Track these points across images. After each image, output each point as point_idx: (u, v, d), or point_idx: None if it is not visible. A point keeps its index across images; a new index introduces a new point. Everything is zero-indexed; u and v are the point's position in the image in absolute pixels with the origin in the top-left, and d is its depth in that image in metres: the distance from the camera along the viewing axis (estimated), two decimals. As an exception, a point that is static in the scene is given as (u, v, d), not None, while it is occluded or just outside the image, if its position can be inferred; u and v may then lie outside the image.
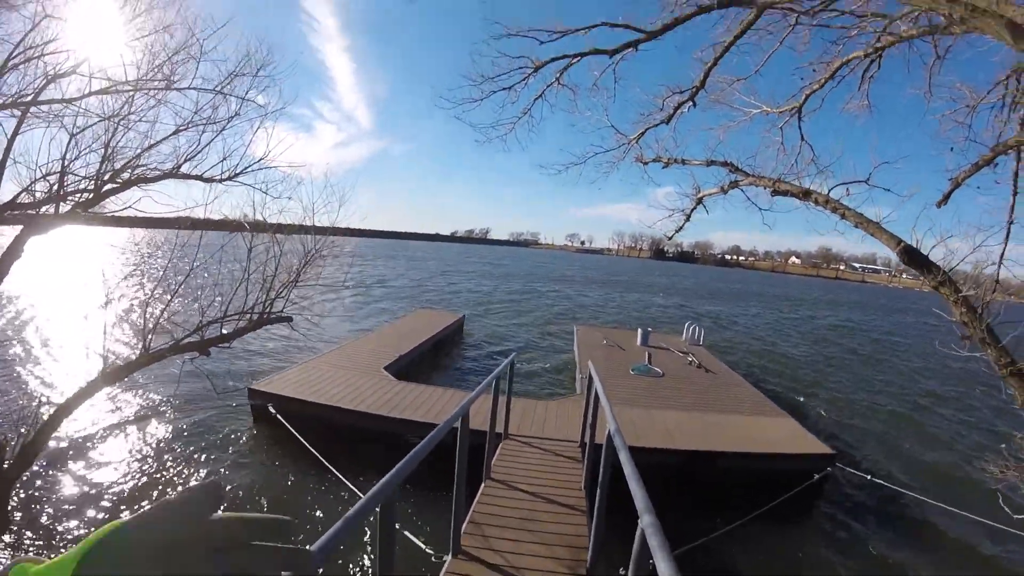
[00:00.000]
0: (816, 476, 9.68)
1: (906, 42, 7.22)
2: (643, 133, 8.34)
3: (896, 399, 19.25)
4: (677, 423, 11.19)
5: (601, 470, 4.75)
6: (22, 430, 6.45)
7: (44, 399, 11.56)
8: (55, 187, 6.51)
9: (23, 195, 6.45)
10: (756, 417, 12.28)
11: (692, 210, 7.67)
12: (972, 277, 5.59)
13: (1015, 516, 5.34)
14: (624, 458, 3.56)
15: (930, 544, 9.06)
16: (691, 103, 8.13)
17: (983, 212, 6.49)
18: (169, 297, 7.04)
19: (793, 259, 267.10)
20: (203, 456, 9.82)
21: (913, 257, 5.12)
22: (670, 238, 8.35)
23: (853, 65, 7.85)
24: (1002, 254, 6.01)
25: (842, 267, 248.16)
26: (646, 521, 2.54)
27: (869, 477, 10.18)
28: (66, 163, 6.51)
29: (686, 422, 11.34)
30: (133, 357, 6.72)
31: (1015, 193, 6.34)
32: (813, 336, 35.28)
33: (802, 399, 17.58)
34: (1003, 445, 5.52)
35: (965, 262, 5.32)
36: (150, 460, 9.58)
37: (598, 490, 4.79)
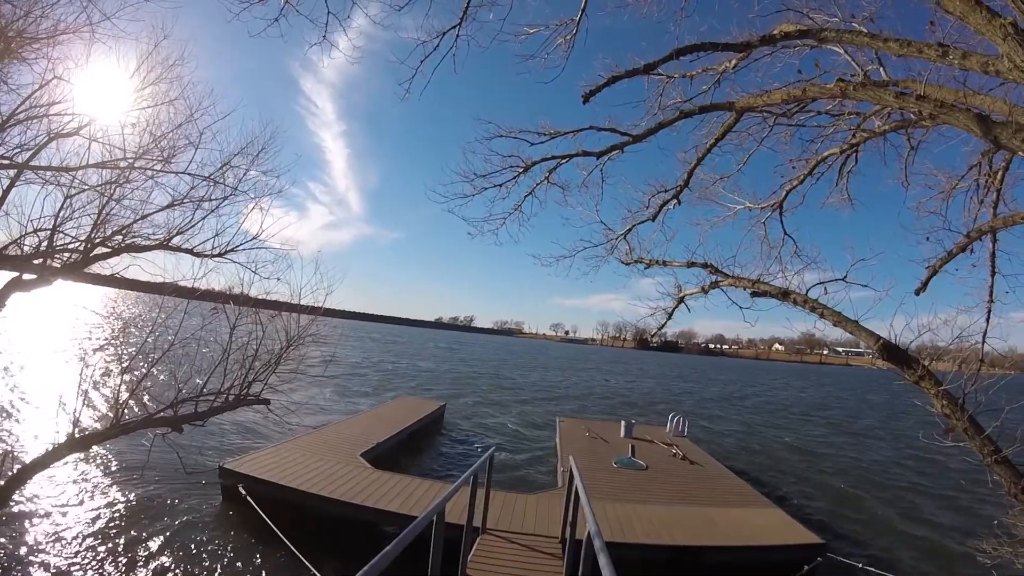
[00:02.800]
0: (806, 567, 9.41)
1: (881, 137, 7.51)
2: (630, 229, 8.51)
3: (878, 484, 19.00)
4: (661, 517, 10.90)
5: (580, 572, 4.57)
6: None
7: (5, 459, 11.21)
8: (44, 244, 6.46)
9: (12, 247, 6.40)
10: (742, 508, 12.02)
11: (674, 309, 7.75)
12: (958, 357, 5.64)
13: None
14: (603, 562, 3.41)
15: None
16: (676, 201, 8.35)
17: (963, 295, 6.63)
18: (145, 370, 6.90)
19: (777, 346, 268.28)
20: (168, 533, 9.43)
21: (892, 353, 5.17)
22: (653, 335, 8.38)
23: (831, 161, 8.15)
24: (984, 332, 6.16)
25: (825, 352, 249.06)
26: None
27: (860, 565, 9.91)
28: (59, 222, 6.48)
29: (671, 516, 11.06)
30: (104, 426, 6.53)
31: (993, 274, 6.59)
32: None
33: (783, 487, 17.32)
34: (995, 522, 5.43)
35: (950, 344, 5.39)
36: (113, 532, 9.19)
37: (578, 592, 4.60)
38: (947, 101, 4.34)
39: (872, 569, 9.85)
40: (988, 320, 6.36)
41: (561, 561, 7.38)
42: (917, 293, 6.87)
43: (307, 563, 8.33)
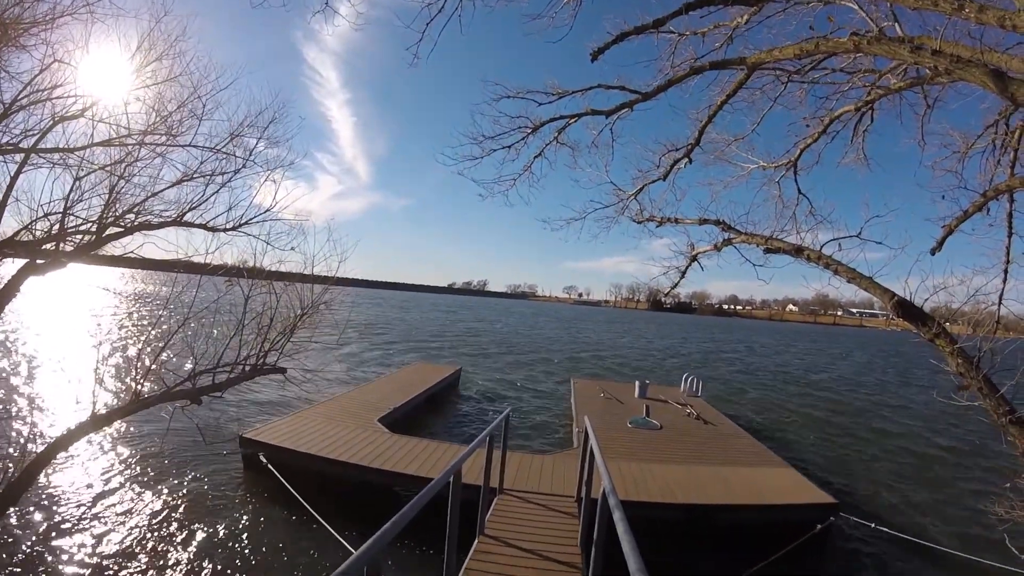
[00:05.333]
0: (819, 526, 9.47)
1: (897, 94, 7.35)
2: (641, 189, 8.43)
3: (893, 443, 19.06)
4: (676, 476, 11.01)
5: (596, 529, 4.65)
6: (9, 469, 6.31)
7: (31, 438, 11.42)
8: (55, 228, 6.49)
9: (23, 233, 6.44)
10: (756, 468, 12.10)
11: (687, 267, 7.69)
12: (973, 319, 5.60)
13: (1022, 556, 5.23)
14: (618, 518, 3.47)
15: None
16: (687, 160, 8.23)
17: (979, 255, 6.54)
18: (162, 344, 6.98)
19: (791, 307, 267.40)
20: (191, 503, 9.63)
21: (907, 311, 5.10)
22: (667, 293, 8.36)
23: (845, 120, 7.99)
24: (1001, 294, 6.07)
25: (839, 313, 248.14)
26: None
27: (873, 525, 10.00)
28: (69, 204, 6.48)
29: (685, 475, 11.17)
30: (124, 402, 6.63)
31: (1010, 235, 6.44)
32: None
33: (798, 446, 17.39)
34: (1007, 485, 5.44)
35: (964, 305, 5.34)
36: (136, 505, 9.39)
37: (593, 548, 4.67)
38: (963, 57, 4.27)
39: (884, 529, 9.93)
40: (1005, 281, 6.28)
41: (577, 520, 7.48)
42: (932, 253, 6.77)
43: (329, 527, 8.49)
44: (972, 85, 4.61)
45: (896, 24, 5.33)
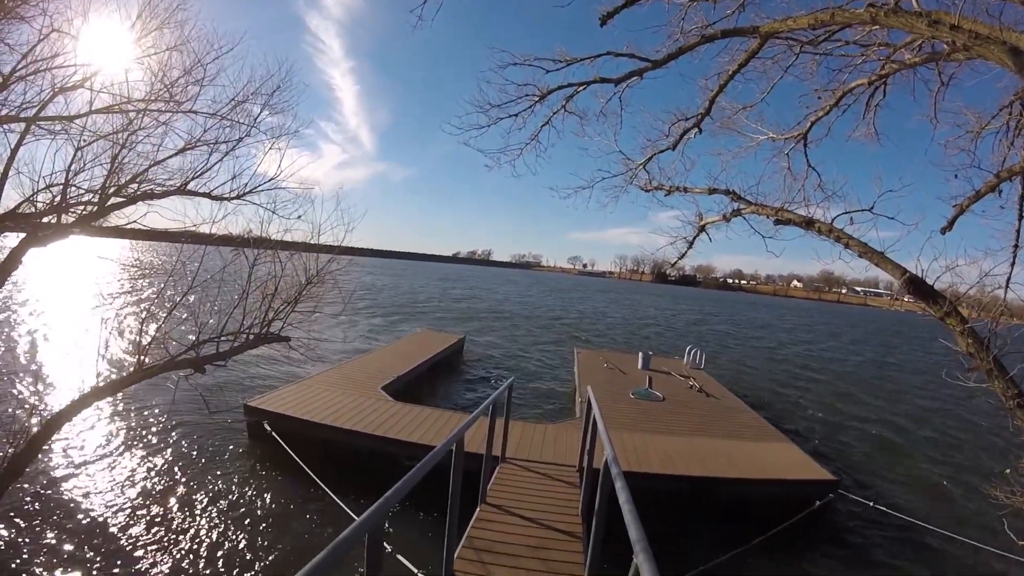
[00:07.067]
0: (818, 503, 9.58)
1: (911, 69, 7.23)
2: (650, 159, 8.33)
3: (894, 423, 19.14)
4: (678, 448, 11.09)
5: (597, 499, 4.68)
6: (13, 440, 6.36)
7: (36, 410, 11.51)
8: (57, 199, 6.47)
9: (25, 205, 6.41)
10: (757, 443, 12.19)
11: (695, 237, 7.61)
12: (979, 301, 5.55)
13: (1020, 542, 5.25)
14: (620, 487, 3.50)
15: (934, 572, 8.94)
16: (697, 130, 8.13)
17: (989, 237, 6.47)
18: (166, 314, 6.99)
19: (795, 283, 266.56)
20: (196, 471, 9.74)
21: (919, 288, 5.07)
22: (673, 265, 8.31)
23: (858, 93, 7.86)
24: (1008, 278, 6.00)
25: (844, 291, 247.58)
26: (641, 559, 2.48)
27: (871, 504, 10.09)
28: (70, 175, 6.45)
29: (687, 447, 11.25)
30: (127, 372, 6.66)
31: (1021, 218, 6.33)
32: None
33: (799, 423, 17.47)
34: (1008, 471, 5.45)
35: (972, 288, 5.29)
36: (141, 474, 9.50)
37: (594, 518, 4.71)
38: (982, 34, 4.20)
39: (881, 507, 10.03)
40: (1012, 265, 6.21)
41: (579, 489, 7.53)
42: (943, 232, 6.68)
43: (332, 494, 8.59)
44: (988, 64, 4.56)
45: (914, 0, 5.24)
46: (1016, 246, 6.28)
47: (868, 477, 13.09)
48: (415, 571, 6.94)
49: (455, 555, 5.35)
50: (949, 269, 5.24)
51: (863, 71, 7.62)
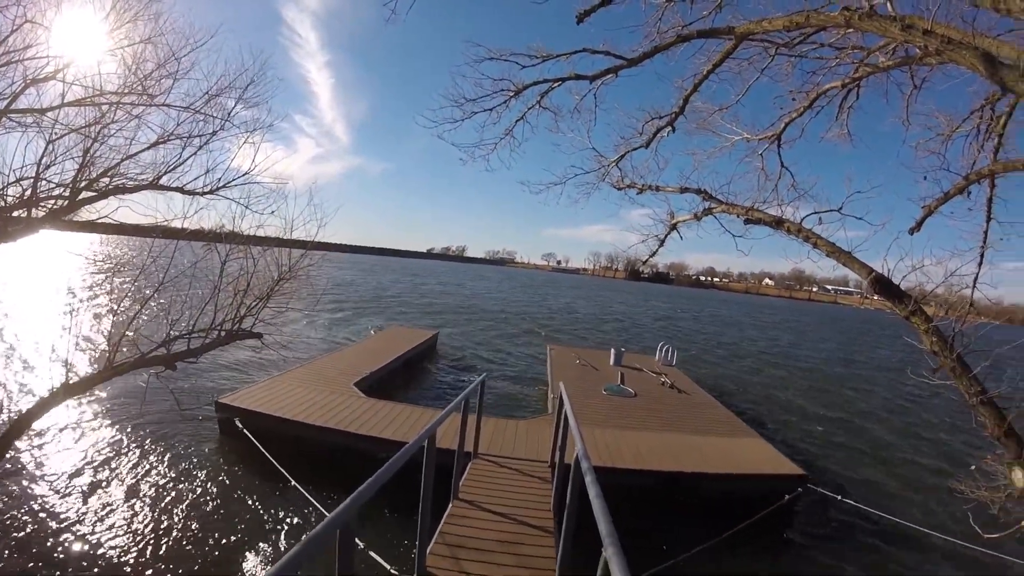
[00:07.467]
0: (787, 497, 9.73)
1: (884, 73, 7.37)
2: (623, 156, 8.41)
3: (862, 419, 19.49)
4: (649, 444, 11.21)
5: (568, 494, 4.74)
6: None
7: (5, 408, 11.33)
8: (28, 192, 6.39)
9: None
10: (728, 438, 12.34)
11: (666, 236, 7.72)
12: (946, 301, 5.70)
13: (985, 536, 5.37)
14: (590, 482, 3.55)
15: (902, 564, 9.15)
16: (670, 128, 8.21)
17: (958, 238, 6.64)
18: (137, 309, 6.93)
19: (767, 281, 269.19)
20: (167, 469, 9.64)
21: (884, 287, 5.18)
22: (645, 262, 8.39)
23: (832, 95, 8.00)
24: (975, 278, 6.17)
25: (815, 289, 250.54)
26: (610, 552, 2.53)
27: (840, 497, 10.29)
28: (41, 169, 6.38)
29: (658, 443, 11.37)
30: (97, 369, 6.59)
31: (988, 220, 6.52)
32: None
33: (769, 419, 17.72)
34: (973, 467, 5.57)
35: (939, 287, 5.42)
36: (112, 472, 9.37)
37: (565, 513, 4.77)
38: (954, 39, 4.29)
39: (849, 501, 10.22)
40: (980, 265, 6.38)
41: (550, 484, 7.59)
42: (911, 232, 6.85)
43: (304, 491, 8.57)
44: (960, 68, 4.64)
45: (888, 3, 5.34)
46: (984, 247, 6.47)
47: (837, 472, 13.32)
48: (388, 568, 6.95)
49: (428, 551, 5.38)
50: (915, 269, 5.37)
51: (837, 73, 7.75)
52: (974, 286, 6.19)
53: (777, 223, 6.14)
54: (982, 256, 6.43)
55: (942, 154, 7.30)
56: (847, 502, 10.22)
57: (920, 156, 7.48)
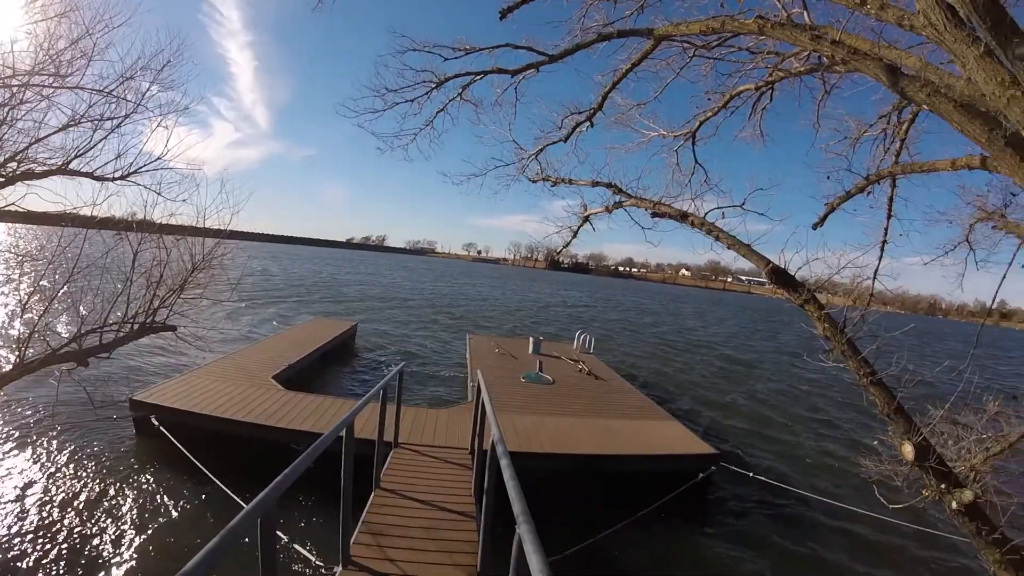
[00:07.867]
0: (701, 475, 10.19)
1: (797, 77, 7.78)
2: (542, 150, 8.59)
3: (770, 401, 20.48)
4: (568, 429, 11.51)
5: (486, 478, 4.91)
6: None
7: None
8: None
9: None
10: (644, 421, 12.78)
11: (579, 227, 7.93)
12: (849, 291, 6.13)
13: (890, 506, 5.77)
14: (505, 465, 3.72)
15: (811, 535, 9.79)
16: (589, 124, 8.44)
17: (860, 234, 7.16)
18: (46, 304, 6.73)
19: (684, 271, 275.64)
20: (81, 472, 9.34)
21: (780, 277, 5.51)
22: (558, 252, 8.62)
23: (746, 97, 8.37)
24: (876, 270, 6.72)
25: (729, 279, 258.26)
26: (523, 529, 2.71)
27: (751, 474, 10.84)
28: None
29: (576, 427, 11.69)
30: (5, 369, 6.39)
31: (889, 216, 7.11)
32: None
33: (682, 402, 18.38)
34: (875, 442, 5.96)
35: (831, 277, 5.82)
36: (22, 477, 9.03)
37: (484, 497, 4.94)
38: (861, 49, 4.60)
39: (761, 478, 10.77)
40: (880, 258, 6.92)
41: (471, 471, 7.76)
42: (815, 227, 7.30)
43: (224, 487, 8.48)
44: (866, 76, 4.97)
45: (805, 12, 5.64)
46: (884, 241, 7.03)
47: (747, 450, 14.03)
48: (314, 560, 7.00)
49: (352, 541, 5.48)
50: (809, 261, 5.74)
51: (753, 77, 8.12)
52: (875, 277, 6.73)
53: (682, 217, 6.42)
54: (882, 250, 6.99)
55: (848, 156, 7.81)
56: (758, 478, 10.77)
57: (828, 157, 7.95)
